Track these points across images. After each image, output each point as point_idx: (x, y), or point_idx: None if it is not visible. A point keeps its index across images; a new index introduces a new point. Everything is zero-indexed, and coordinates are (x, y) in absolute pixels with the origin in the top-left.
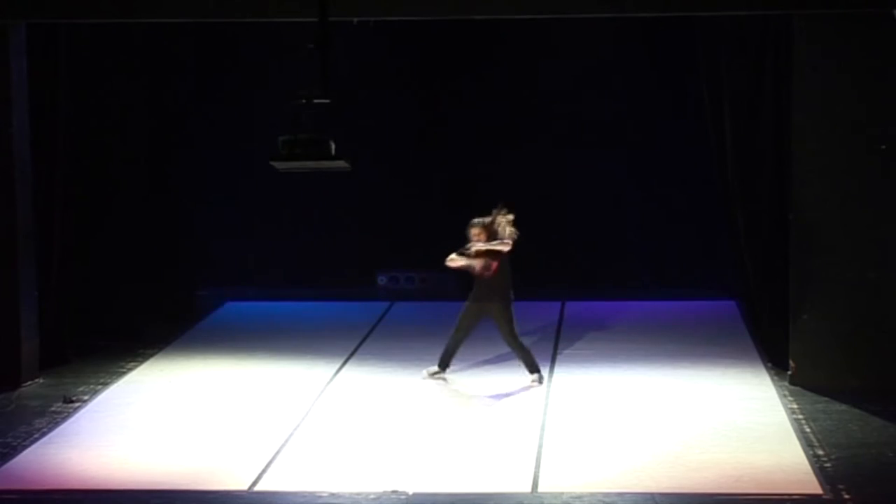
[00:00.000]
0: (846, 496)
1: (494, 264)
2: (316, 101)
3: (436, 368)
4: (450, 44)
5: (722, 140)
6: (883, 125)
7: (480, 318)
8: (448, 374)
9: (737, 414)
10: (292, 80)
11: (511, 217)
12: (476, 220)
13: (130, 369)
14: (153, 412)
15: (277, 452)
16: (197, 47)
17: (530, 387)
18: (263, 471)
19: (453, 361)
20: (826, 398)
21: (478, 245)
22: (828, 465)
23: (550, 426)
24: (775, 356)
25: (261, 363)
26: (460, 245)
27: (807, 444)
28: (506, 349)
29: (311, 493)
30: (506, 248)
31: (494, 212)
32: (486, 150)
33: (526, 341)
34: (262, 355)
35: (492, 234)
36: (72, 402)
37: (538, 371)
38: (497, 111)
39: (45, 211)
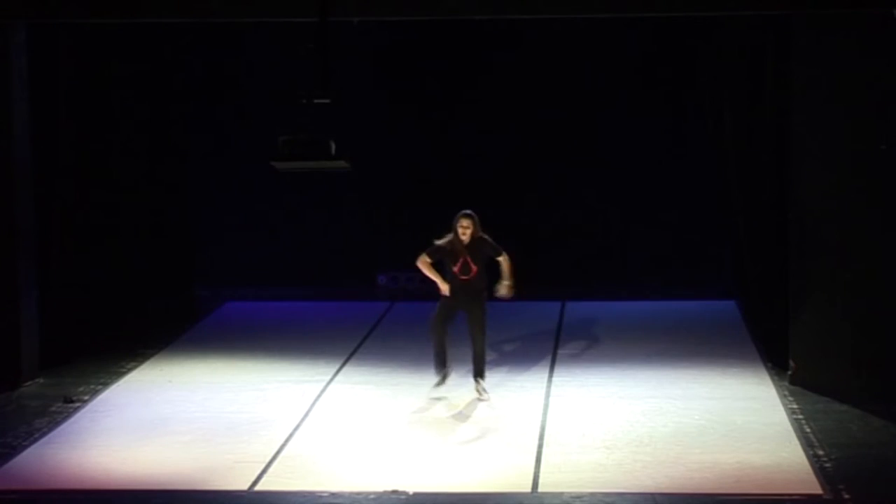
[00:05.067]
0: (846, 496)
1: (475, 269)
2: (316, 101)
3: (438, 379)
4: (451, 44)
5: (722, 140)
6: (883, 125)
7: (455, 314)
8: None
9: (737, 414)
10: (292, 80)
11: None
12: (468, 213)
13: (130, 369)
14: (153, 412)
15: (277, 452)
16: (197, 47)
17: (530, 387)
18: (263, 471)
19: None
20: (826, 398)
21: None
22: (828, 465)
23: (550, 426)
24: (775, 356)
25: (261, 363)
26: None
27: (807, 444)
28: (504, 349)
29: (311, 493)
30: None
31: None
32: (487, 151)
33: (526, 341)
34: (261, 355)
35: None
36: (72, 402)
37: (483, 377)
38: (498, 111)
39: (45, 211)
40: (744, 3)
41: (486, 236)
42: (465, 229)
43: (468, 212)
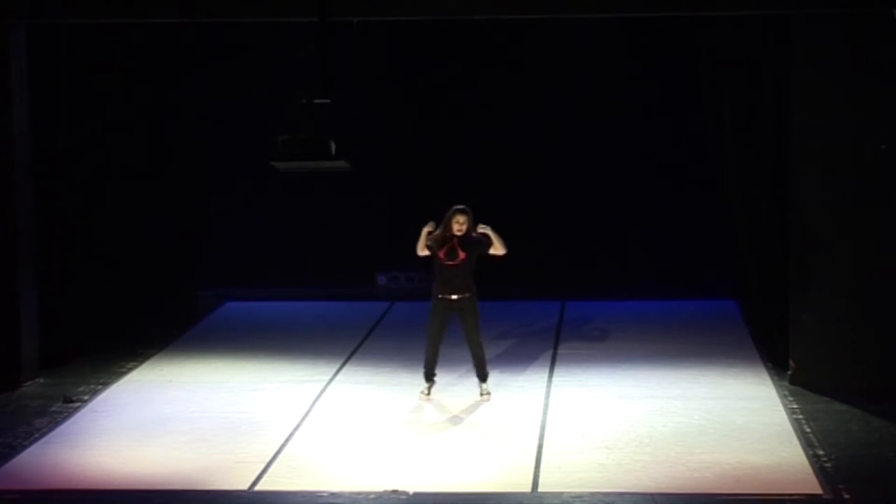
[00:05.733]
0: (846, 496)
1: (462, 255)
2: (316, 101)
3: (426, 384)
4: (450, 44)
5: (722, 140)
6: (883, 125)
7: (449, 319)
8: (447, 377)
9: (737, 414)
10: (292, 80)
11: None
12: (464, 209)
13: (130, 369)
14: (153, 412)
15: (277, 452)
16: (197, 47)
17: (530, 387)
18: (263, 471)
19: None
20: (826, 398)
21: (489, 230)
22: (828, 465)
23: (550, 426)
24: (775, 356)
25: (261, 363)
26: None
27: (807, 444)
28: (504, 349)
29: (311, 493)
30: (501, 252)
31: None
32: (487, 150)
33: (526, 341)
34: (262, 355)
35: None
36: (72, 402)
37: (486, 380)
38: (498, 111)
39: (45, 211)
40: (744, 3)
41: (479, 234)
42: (461, 225)
43: (463, 207)
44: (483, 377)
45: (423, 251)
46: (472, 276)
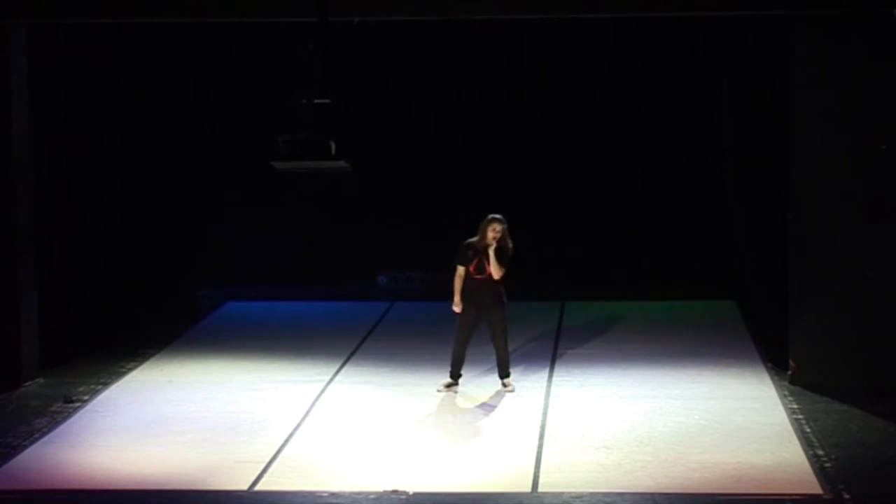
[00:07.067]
0: (846, 496)
1: (489, 268)
2: (316, 101)
3: (449, 381)
4: (450, 44)
5: (722, 140)
6: (883, 125)
7: (479, 322)
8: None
9: (737, 414)
10: (292, 80)
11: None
12: (501, 218)
13: (130, 369)
14: (153, 412)
15: (277, 452)
16: (196, 47)
17: (530, 387)
18: (263, 471)
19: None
20: (826, 398)
21: (492, 252)
22: (828, 465)
23: (550, 426)
24: (775, 356)
25: (261, 363)
26: (458, 244)
27: (807, 444)
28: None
29: (311, 493)
30: (500, 273)
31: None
32: (487, 150)
33: (526, 341)
34: (262, 355)
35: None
36: (72, 402)
37: (508, 376)
38: (497, 111)
39: (45, 211)
40: (744, 3)
41: (510, 244)
42: (496, 233)
43: (500, 216)
44: (505, 375)
45: (458, 281)
46: (500, 283)
